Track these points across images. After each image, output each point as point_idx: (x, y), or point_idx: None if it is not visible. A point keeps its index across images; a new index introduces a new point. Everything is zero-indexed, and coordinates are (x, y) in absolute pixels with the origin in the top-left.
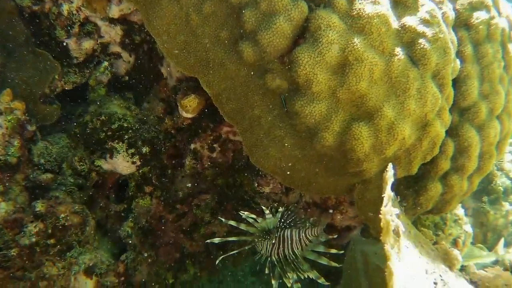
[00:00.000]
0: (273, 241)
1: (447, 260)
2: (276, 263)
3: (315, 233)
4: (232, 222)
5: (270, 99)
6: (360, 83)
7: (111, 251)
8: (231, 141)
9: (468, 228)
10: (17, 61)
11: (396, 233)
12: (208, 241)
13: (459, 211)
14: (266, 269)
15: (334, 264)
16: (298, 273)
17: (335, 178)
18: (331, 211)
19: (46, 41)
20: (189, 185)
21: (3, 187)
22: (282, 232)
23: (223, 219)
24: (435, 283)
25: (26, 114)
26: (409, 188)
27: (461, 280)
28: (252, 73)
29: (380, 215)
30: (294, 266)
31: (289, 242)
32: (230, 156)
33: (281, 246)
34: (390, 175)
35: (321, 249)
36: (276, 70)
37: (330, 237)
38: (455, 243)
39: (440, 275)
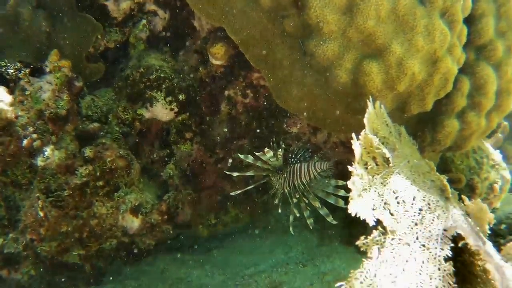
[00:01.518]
0: (285, 175)
1: (445, 192)
2: (288, 194)
3: (323, 167)
4: (249, 159)
5: (289, 42)
6: (368, 22)
7: (155, 193)
8: (262, 86)
9: (506, 174)
10: (63, 25)
11: (386, 162)
12: (226, 171)
13: (497, 156)
14: (276, 199)
15: (341, 203)
16: (305, 201)
17: (353, 115)
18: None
19: (87, 5)
20: (226, 129)
21: (56, 137)
22: (292, 166)
23: (242, 156)
24: (420, 209)
25: (73, 72)
26: (427, 125)
27: (454, 211)
28: (271, 19)
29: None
30: (303, 195)
31: (298, 173)
32: (262, 101)
33: (291, 177)
34: (369, 104)
35: (330, 190)
36: (292, 15)
37: (340, 182)
38: (491, 188)
39: (428, 203)
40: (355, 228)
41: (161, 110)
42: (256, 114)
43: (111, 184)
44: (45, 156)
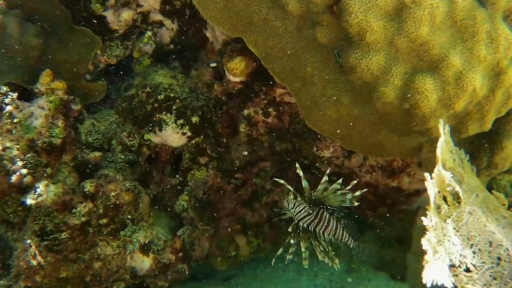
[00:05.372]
0: (310, 211)
1: None
2: (306, 232)
3: (348, 241)
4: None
5: (322, 54)
6: (421, 29)
7: (168, 226)
8: (287, 103)
9: None
10: (58, 40)
11: (456, 200)
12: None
13: None
14: (290, 227)
15: (357, 193)
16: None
17: (399, 138)
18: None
19: (85, 17)
20: (246, 153)
21: (51, 169)
22: (322, 210)
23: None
24: (499, 259)
25: (70, 93)
26: (483, 146)
27: None
28: (300, 27)
29: (425, 183)
30: (317, 242)
31: (325, 224)
32: (287, 120)
33: (315, 221)
34: (442, 132)
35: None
36: (326, 22)
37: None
38: None
39: (507, 249)
40: (386, 250)
41: (172, 135)
42: (280, 135)
43: (116, 222)
44: (36, 193)
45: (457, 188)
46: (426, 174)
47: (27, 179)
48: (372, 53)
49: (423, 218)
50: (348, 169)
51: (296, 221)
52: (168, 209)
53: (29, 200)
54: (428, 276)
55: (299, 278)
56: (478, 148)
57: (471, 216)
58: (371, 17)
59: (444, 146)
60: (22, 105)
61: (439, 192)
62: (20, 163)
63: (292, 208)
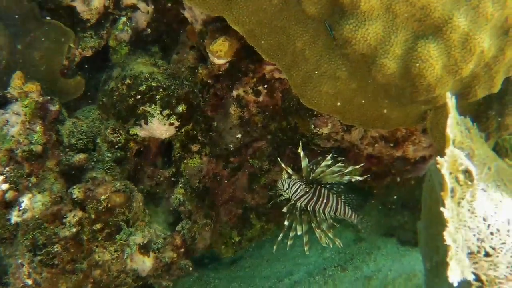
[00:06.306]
0: (307, 189)
1: None
2: (304, 212)
3: (350, 216)
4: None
5: (312, 27)
6: None
7: (166, 221)
8: (277, 79)
9: None
10: (26, 36)
11: (468, 178)
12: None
13: None
14: (285, 208)
15: (356, 178)
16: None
17: (402, 108)
18: None
19: (52, 9)
20: (239, 135)
21: (36, 178)
22: (319, 187)
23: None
24: None
25: (46, 94)
26: (491, 108)
27: None
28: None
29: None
30: (317, 223)
31: (325, 201)
32: (279, 97)
33: (313, 200)
34: (450, 106)
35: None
36: None
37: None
38: None
39: None
40: (394, 217)
41: (159, 127)
42: (274, 113)
43: (110, 225)
44: (21, 209)
45: (470, 167)
46: (439, 159)
47: (9, 194)
48: (368, 23)
49: (442, 209)
50: (349, 142)
51: (293, 202)
52: (163, 203)
53: (14, 218)
54: (453, 276)
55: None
56: (485, 110)
57: (485, 194)
58: None
59: (453, 121)
60: None
61: (450, 173)
62: (0, 178)
63: (287, 189)
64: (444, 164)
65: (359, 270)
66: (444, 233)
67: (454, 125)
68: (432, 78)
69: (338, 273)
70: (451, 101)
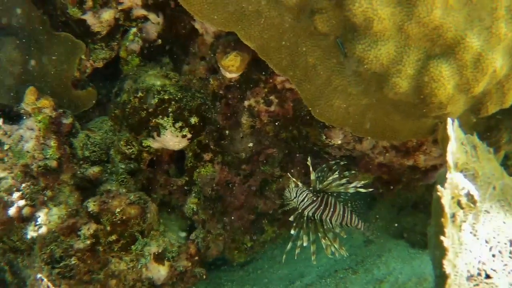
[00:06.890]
0: (314, 198)
1: None
2: (311, 221)
3: (357, 224)
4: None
5: (324, 43)
6: (433, 12)
7: (180, 228)
8: (288, 90)
9: None
10: (39, 51)
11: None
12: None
13: None
14: (292, 217)
15: (362, 190)
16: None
17: (413, 122)
18: None
19: (64, 22)
20: (251, 144)
21: (51, 192)
22: (326, 196)
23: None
24: None
25: (59, 107)
26: (502, 121)
27: None
28: (297, 17)
29: (437, 192)
30: (323, 232)
31: (332, 210)
32: (290, 107)
33: (320, 208)
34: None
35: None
36: (326, 10)
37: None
38: None
39: None
40: (404, 219)
41: (172, 139)
42: (285, 123)
43: (126, 236)
44: (37, 224)
45: (472, 191)
46: (439, 187)
47: (26, 210)
48: (381, 43)
49: (442, 238)
50: (360, 151)
51: (300, 211)
52: (177, 211)
53: (30, 233)
54: None
55: (318, 255)
56: (496, 124)
57: (488, 215)
58: (377, 4)
59: (454, 147)
60: (10, 129)
61: (452, 198)
62: (16, 195)
63: (294, 198)
64: (443, 194)
65: (370, 272)
66: (444, 261)
67: (457, 148)
68: (444, 97)
69: (349, 276)
70: (451, 127)
